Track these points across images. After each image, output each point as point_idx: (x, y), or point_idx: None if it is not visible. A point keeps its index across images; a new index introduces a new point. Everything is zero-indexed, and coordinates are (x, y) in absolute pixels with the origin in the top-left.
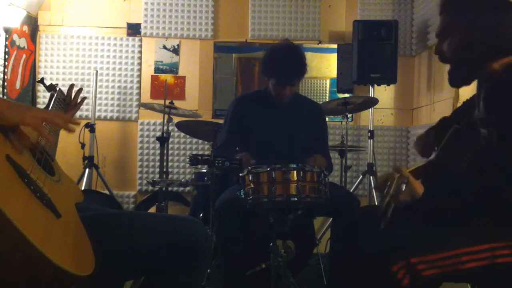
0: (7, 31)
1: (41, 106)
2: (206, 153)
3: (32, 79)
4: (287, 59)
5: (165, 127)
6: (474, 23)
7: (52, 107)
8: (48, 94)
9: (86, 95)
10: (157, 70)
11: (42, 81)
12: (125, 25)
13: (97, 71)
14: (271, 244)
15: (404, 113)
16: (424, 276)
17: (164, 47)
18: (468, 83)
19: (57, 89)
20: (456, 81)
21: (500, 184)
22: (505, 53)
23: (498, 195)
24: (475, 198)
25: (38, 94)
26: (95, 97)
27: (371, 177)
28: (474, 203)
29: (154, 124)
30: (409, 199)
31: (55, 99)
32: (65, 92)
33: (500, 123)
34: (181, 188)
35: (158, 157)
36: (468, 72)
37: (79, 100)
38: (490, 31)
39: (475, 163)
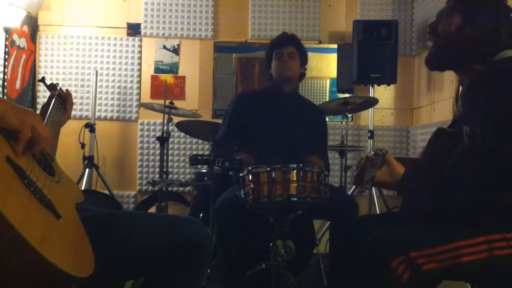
0: (7, 31)
1: (41, 106)
2: (206, 153)
3: (32, 79)
4: (284, 33)
5: (165, 127)
6: (476, 21)
7: (52, 107)
8: (48, 94)
9: (86, 95)
10: (157, 70)
11: (43, 80)
12: (125, 25)
13: (97, 71)
14: (271, 244)
15: (404, 113)
16: (423, 270)
17: (164, 47)
18: (442, 69)
19: (58, 88)
20: (433, 64)
21: (485, 181)
22: (492, 56)
23: (483, 192)
24: (463, 197)
25: (38, 94)
26: (95, 97)
27: None
28: (462, 202)
29: (154, 124)
30: (390, 179)
31: (55, 99)
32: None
33: (481, 121)
34: (181, 188)
35: (158, 157)
36: (448, 61)
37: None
38: (488, 33)
39: (458, 161)
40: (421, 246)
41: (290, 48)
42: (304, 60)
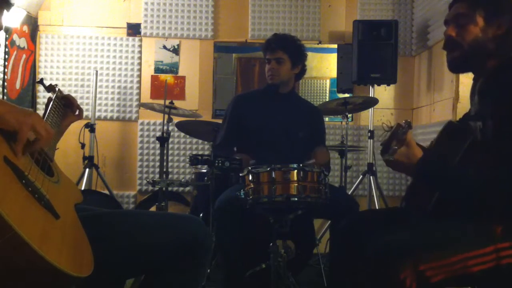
0: (7, 31)
1: (41, 106)
2: (206, 153)
3: (32, 79)
4: (278, 34)
5: (165, 127)
6: (499, 18)
7: (50, 109)
8: (48, 94)
9: (86, 95)
10: (157, 70)
11: (41, 81)
12: (125, 25)
13: (97, 71)
14: (271, 244)
15: (404, 113)
16: (432, 282)
17: (164, 47)
18: (465, 71)
19: (57, 89)
20: (458, 67)
21: (496, 176)
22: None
23: (493, 188)
24: (470, 192)
25: (38, 94)
26: (95, 97)
27: (371, 177)
28: (470, 196)
29: (154, 124)
30: (405, 160)
31: (53, 101)
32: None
33: (496, 116)
34: (181, 188)
35: (158, 157)
36: (472, 63)
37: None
38: (506, 32)
39: (468, 155)
40: (428, 258)
41: (277, 53)
42: (296, 62)
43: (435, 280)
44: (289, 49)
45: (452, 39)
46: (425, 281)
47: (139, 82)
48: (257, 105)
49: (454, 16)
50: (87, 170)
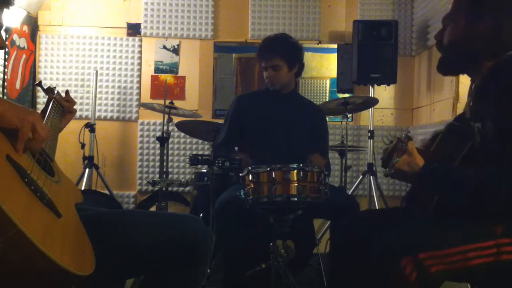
0: (7, 31)
1: (41, 106)
2: (206, 153)
3: (32, 79)
4: (270, 38)
5: (165, 127)
6: (481, 20)
7: (50, 111)
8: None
9: (86, 95)
10: (157, 70)
11: (40, 84)
12: (125, 25)
13: (97, 71)
14: (271, 244)
15: (404, 113)
16: (431, 272)
17: (164, 47)
18: (455, 73)
19: (55, 92)
20: (445, 69)
21: (496, 176)
22: (500, 55)
23: (494, 188)
24: (471, 193)
25: (38, 94)
26: (95, 97)
27: (371, 177)
28: (471, 198)
29: (154, 124)
30: (407, 169)
31: (53, 103)
32: (63, 96)
33: (497, 116)
34: (181, 188)
35: (158, 157)
36: (459, 64)
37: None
38: (494, 32)
39: (469, 157)
40: (430, 247)
41: (272, 60)
42: (292, 63)
43: (435, 269)
44: (283, 53)
45: (437, 41)
46: (425, 271)
47: (139, 82)
48: (259, 105)
49: (443, 18)
50: (87, 170)
